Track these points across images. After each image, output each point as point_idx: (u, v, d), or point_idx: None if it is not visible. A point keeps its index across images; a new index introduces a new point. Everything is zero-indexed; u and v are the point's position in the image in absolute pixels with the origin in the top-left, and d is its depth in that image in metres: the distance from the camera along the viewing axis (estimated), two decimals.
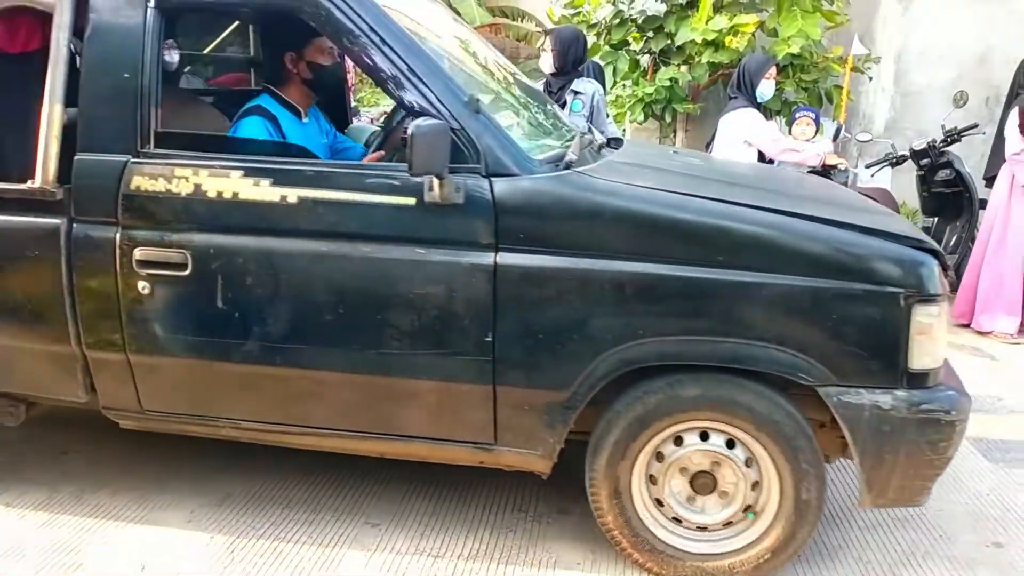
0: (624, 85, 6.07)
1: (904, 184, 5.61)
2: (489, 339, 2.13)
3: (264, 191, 2.19)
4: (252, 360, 2.28)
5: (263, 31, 2.59)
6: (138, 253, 2.25)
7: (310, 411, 2.34)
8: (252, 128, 2.54)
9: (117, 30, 2.27)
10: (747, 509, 2.22)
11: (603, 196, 2.09)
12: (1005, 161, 4.59)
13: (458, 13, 7.89)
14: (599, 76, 4.72)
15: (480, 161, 2.10)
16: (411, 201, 2.12)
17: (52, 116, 2.26)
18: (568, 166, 2.20)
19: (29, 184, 2.28)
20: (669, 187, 2.15)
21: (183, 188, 2.22)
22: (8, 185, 2.30)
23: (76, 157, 2.28)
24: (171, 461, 2.89)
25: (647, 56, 6.09)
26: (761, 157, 4.41)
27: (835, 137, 4.99)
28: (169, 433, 2.56)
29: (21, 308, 2.34)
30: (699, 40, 5.43)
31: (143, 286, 2.26)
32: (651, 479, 2.25)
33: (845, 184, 4.28)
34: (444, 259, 2.12)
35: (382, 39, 2.16)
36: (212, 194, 2.21)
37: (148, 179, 2.24)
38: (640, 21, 5.98)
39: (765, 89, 4.47)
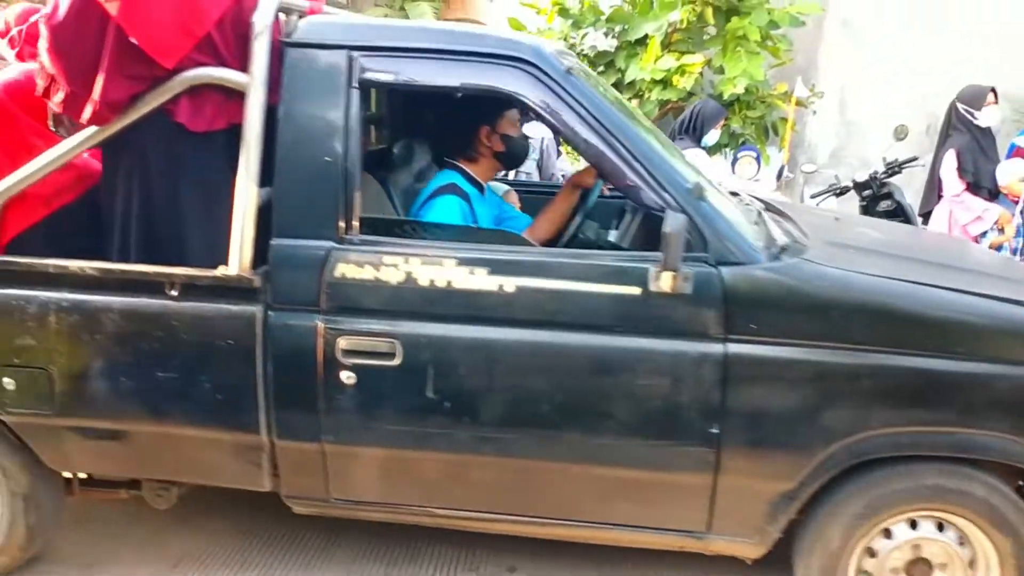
0: None
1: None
2: (715, 430, 2.10)
3: (480, 280, 2.13)
4: (460, 449, 2.22)
5: (451, 106, 2.52)
6: (343, 342, 2.17)
7: (515, 499, 2.29)
8: (451, 209, 2.47)
9: (316, 110, 2.19)
10: None
11: (839, 288, 2.07)
12: (940, 198, 4.72)
13: None
14: None
15: (708, 250, 2.07)
16: (636, 291, 2.08)
17: (248, 199, 2.17)
18: (781, 251, 2.18)
19: (223, 270, 2.20)
20: (898, 275, 2.13)
21: (393, 276, 2.15)
22: (202, 271, 2.20)
23: (273, 242, 2.20)
24: (113, 525, 2.84)
25: None
26: None
27: (778, 176, 5.11)
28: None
29: (209, 398, 2.24)
30: (648, 78, 5.49)
31: (348, 376, 2.18)
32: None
33: None
34: (670, 349, 2.09)
35: (603, 124, 2.12)
36: (424, 283, 2.14)
37: (354, 267, 2.16)
38: (592, 56, 6.03)
39: (712, 137, 4.60)
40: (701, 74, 5.55)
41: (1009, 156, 4.88)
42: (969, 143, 4.63)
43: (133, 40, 2.09)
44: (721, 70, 5.60)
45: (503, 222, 2.77)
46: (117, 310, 2.22)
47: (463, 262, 2.13)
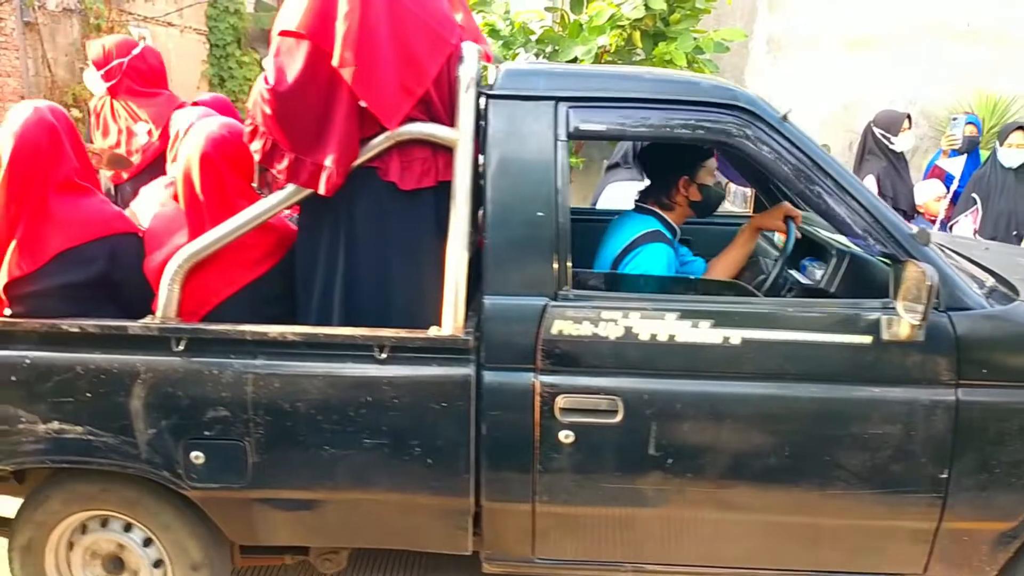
0: None
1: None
2: (944, 475, 2.09)
3: (704, 333, 2.09)
4: (680, 505, 2.17)
5: (653, 155, 2.47)
6: (561, 401, 2.11)
7: (732, 551, 2.26)
8: (660, 257, 2.42)
9: (526, 164, 2.12)
10: None
11: None
12: None
13: None
14: None
15: (938, 296, 2.06)
16: (867, 340, 2.07)
17: (459, 259, 2.10)
18: (991, 293, 2.19)
19: (436, 331, 2.12)
20: None
21: (612, 332, 2.10)
22: (414, 333, 2.12)
23: (486, 300, 2.13)
24: None
25: None
26: None
27: None
28: None
29: (418, 463, 2.16)
30: None
31: (566, 435, 2.12)
32: None
33: None
34: (902, 397, 2.08)
35: (824, 172, 2.11)
36: (645, 337, 2.10)
37: (572, 323, 2.10)
38: None
39: None
40: None
41: (926, 176, 5.00)
42: (887, 167, 4.66)
43: (362, 104, 2.01)
44: None
45: (682, 267, 2.73)
46: (322, 376, 2.13)
47: (685, 315, 2.09)
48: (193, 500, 2.24)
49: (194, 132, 2.28)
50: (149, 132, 3.45)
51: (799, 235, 2.62)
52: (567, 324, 2.11)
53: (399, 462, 2.16)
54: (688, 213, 2.65)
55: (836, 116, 6.55)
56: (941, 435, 2.07)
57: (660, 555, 2.27)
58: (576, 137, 2.15)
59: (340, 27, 1.98)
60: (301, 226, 2.27)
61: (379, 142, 2.10)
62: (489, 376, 2.13)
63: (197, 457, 2.17)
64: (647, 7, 5.20)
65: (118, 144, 3.49)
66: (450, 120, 2.14)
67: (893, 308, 2.05)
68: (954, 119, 4.96)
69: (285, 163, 2.06)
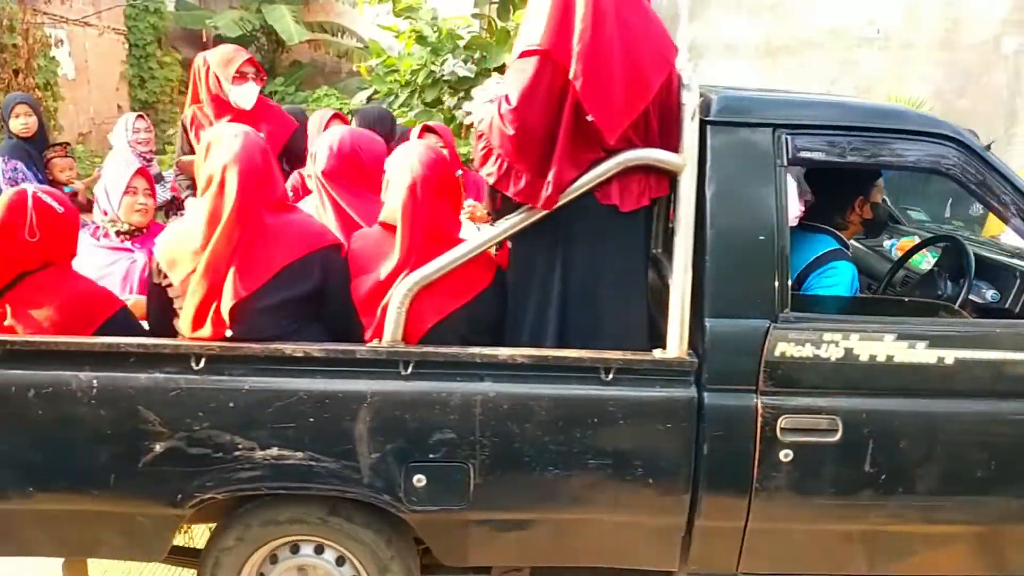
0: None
1: None
2: None
3: (920, 354, 2.17)
4: (889, 519, 2.25)
5: (826, 176, 2.54)
6: (783, 421, 2.17)
7: (930, 560, 2.34)
8: (848, 276, 2.49)
9: (747, 189, 2.18)
10: None
11: None
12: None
13: (274, 31, 7.76)
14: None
15: None
16: None
17: (684, 282, 2.14)
18: None
19: (661, 354, 2.16)
20: None
21: (832, 353, 2.17)
22: (640, 356, 2.15)
23: (708, 323, 2.17)
24: None
25: (461, 112, 6.21)
26: None
27: None
28: None
29: (639, 483, 2.19)
30: None
31: (785, 454, 2.18)
32: None
33: None
34: None
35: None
36: (864, 358, 2.17)
37: (794, 345, 2.16)
38: (452, 82, 6.05)
39: None
40: None
41: None
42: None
43: (588, 118, 2.03)
44: None
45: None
46: (548, 398, 2.14)
47: (903, 336, 2.17)
48: (408, 522, 2.23)
49: (405, 156, 2.28)
50: None
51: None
52: (789, 346, 2.16)
53: (620, 482, 2.19)
54: (859, 231, 2.73)
55: None
56: None
57: (859, 566, 2.34)
58: (796, 163, 2.21)
59: (577, 41, 2.01)
60: (515, 249, 2.28)
61: (610, 167, 2.13)
62: (711, 398, 2.17)
63: (419, 480, 2.16)
64: None
65: None
66: (661, 139, 2.17)
67: None
68: None
69: (523, 183, 2.08)
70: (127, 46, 8.90)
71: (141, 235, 3.07)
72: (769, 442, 2.17)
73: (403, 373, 2.14)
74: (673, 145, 2.16)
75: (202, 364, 2.13)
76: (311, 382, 2.13)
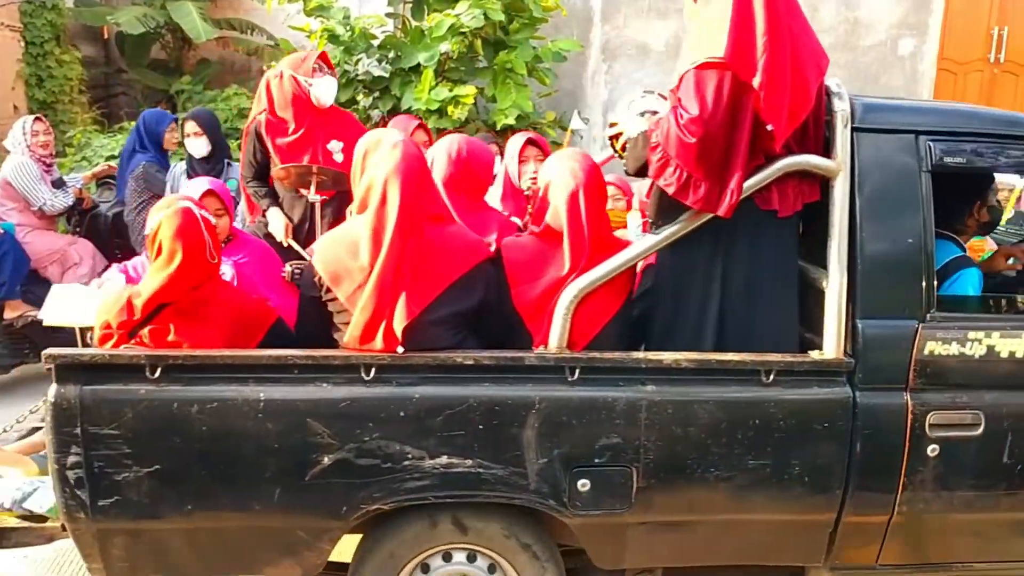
0: None
1: None
2: None
3: None
4: (1018, 508, 2.35)
5: (949, 181, 2.63)
6: (932, 418, 2.25)
7: None
8: (976, 280, 2.58)
9: (895, 194, 2.25)
10: None
11: None
12: None
13: (180, 28, 7.62)
14: None
15: None
16: None
17: (841, 284, 2.20)
18: None
19: (819, 355, 2.22)
20: None
21: (976, 351, 2.26)
22: (799, 358, 2.21)
23: (862, 324, 2.24)
24: None
25: (377, 112, 6.06)
26: None
27: None
28: None
29: (794, 481, 2.24)
30: (423, 108, 5.55)
31: (932, 449, 2.26)
32: None
33: None
34: None
35: None
36: (1004, 355, 2.27)
37: (941, 344, 2.25)
38: (367, 82, 5.97)
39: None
40: (475, 103, 5.74)
41: None
42: None
43: (768, 127, 2.08)
44: (494, 99, 5.77)
45: None
46: (712, 401, 2.19)
47: None
48: (568, 527, 2.25)
49: (565, 165, 2.29)
50: (343, 150, 3.37)
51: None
52: (937, 345, 2.25)
53: (777, 481, 2.24)
54: (975, 234, 2.84)
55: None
56: None
57: (997, 555, 2.45)
58: (939, 169, 2.29)
59: (761, 54, 2.05)
60: (669, 254, 2.31)
61: (772, 172, 2.18)
62: (864, 397, 2.24)
63: (584, 484, 2.18)
64: (486, 16, 5.34)
65: (315, 161, 3.38)
66: (816, 146, 2.23)
67: None
68: None
69: (701, 192, 2.11)
70: (23, 44, 8.44)
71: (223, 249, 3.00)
72: (918, 438, 2.25)
73: (569, 379, 2.16)
74: (814, 151, 2.23)
75: (372, 375, 2.11)
76: (480, 389, 2.13)
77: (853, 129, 2.25)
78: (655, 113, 2.36)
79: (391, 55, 5.80)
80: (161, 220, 2.16)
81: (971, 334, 2.26)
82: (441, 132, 5.43)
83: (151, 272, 2.17)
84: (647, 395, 2.17)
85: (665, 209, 2.25)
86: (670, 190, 2.14)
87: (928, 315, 2.26)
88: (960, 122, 2.34)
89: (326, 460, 2.10)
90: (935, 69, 7.56)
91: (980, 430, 2.27)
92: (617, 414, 2.16)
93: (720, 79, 2.06)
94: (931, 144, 2.27)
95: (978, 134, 2.31)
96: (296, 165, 3.23)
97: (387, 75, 5.79)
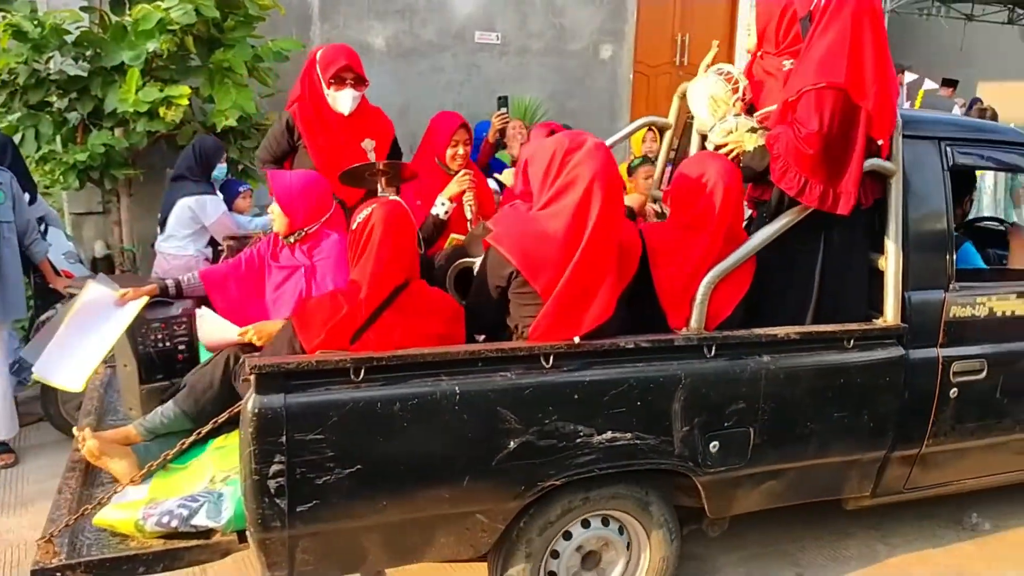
0: (51, 150, 5.29)
1: None
2: None
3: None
4: (1010, 432, 3.01)
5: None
6: (955, 366, 2.83)
7: None
8: (973, 251, 3.17)
9: (930, 189, 2.78)
10: None
11: None
12: None
13: None
14: (5, 150, 4.39)
15: None
16: None
17: (898, 263, 2.69)
18: None
19: (882, 322, 2.70)
20: None
21: (981, 311, 2.87)
22: (871, 326, 2.68)
23: (911, 295, 2.75)
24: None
25: (75, 114, 5.47)
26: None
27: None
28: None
29: (863, 427, 2.72)
30: (131, 110, 4.99)
31: (953, 392, 2.84)
32: None
33: None
34: None
35: None
36: (999, 313, 2.90)
37: (959, 307, 2.83)
38: (62, 81, 5.30)
39: (220, 172, 4.80)
40: (190, 104, 5.31)
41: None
42: None
43: (879, 142, 2.50)
44: (211, 100, 5.37)
45: None
46: (811, 366, 2.60)
47: (1021, 295, 2.93)
48: (698, 484, 2.57)
49: (711, 165, 2.57)
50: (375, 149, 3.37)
51: None
52: (958, 308, 2.83)
53: (849, 428, 2.71)
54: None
55: (396, 120, 5.93)
56: None
57: (988, 470, 3.11)
58: (955, 168, 2.84)
59: (872, 82, 2.45)
60: (779, 244, 2.64)
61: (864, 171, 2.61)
62: (912, 354, 2.76)
63: (714, 446, 2.51)
64: (198, 12, 4.92)
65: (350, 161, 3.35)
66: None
67: None
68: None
69: (818, 192, 2.48)
70: None
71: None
72: (945, 384, 2.82)
73: (708, 356, 2.47)
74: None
75: (551, 362, 2.28)
76: (637, 370, 2.38)
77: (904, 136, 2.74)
78: (763, 126, 2.69)
79: (88, 53, 5.16)
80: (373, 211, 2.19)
81: (978, 299, 2.86)
82: (153, 135, 5.19)
83: (365, 267, 2.20)
84: (765, 365, 2.54)
85: (783, 207, 2.61)
86: (792, 192, 2.50)
87: (951, 285, 2.82)
88: (966, 132, 2.92)
89: (512, 444, 2.25)
90: (631, 72, 8.05)
91: (983, 374, 2.88)
92: (743, 383, 2.51)
93: (836, 100, 2.43)
94: (949, 148, 2.83)
95: (980, 141, 2.90)
96: (359, 165, 3.19)
97: (85, 74, 5.20)
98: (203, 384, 2.64)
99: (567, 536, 2.55)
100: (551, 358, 2.29)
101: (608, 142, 2.92)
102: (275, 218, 2.95)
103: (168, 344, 2.86)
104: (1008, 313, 2.91)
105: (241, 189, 5.00)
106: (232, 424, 2.35)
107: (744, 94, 2.85)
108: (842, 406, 2.68)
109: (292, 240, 2.95)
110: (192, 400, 2.63)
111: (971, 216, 3.72)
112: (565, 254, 2.27)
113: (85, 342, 2.83)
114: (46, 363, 2.88)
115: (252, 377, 2.01)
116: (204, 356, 2.93)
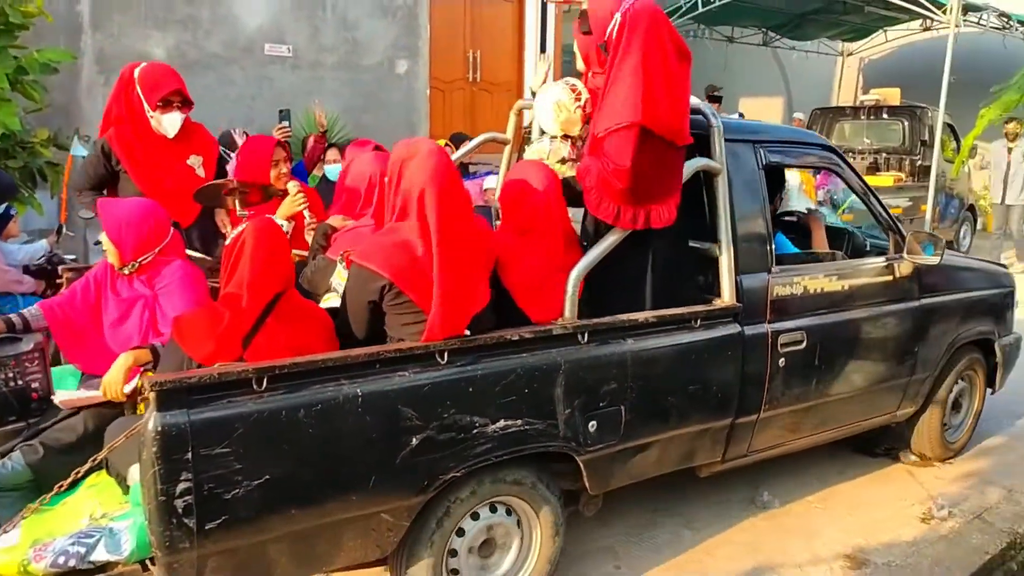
0: None
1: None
2: None
3: (833, 284, 3.44)
4: (827, 393, 3.48)
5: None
6: (782, 339, 3.25)
7: (849, 413, 3.65)
8: (784, 241, 3.60)
9: (749, 185, 3.19)
10: None
11: None
12: None
13: None
14: None
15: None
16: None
17: (729, 251, 3.07)
18: None
19: (721, 303, 3.06)
20: None
21: (798, 290, 3.32)
22: (712, 306, 3.03)
23: (741, 279, 3.13)
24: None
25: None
26: None
27: (58, 231, 4.84)
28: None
29: (712, 398, 3.06)
30: None
31: (782, 361, 3.26)
32: None
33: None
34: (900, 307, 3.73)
35: (866, 187, 3.63)
36: (812, 290, 3.36)
37: (780, 287, 3.26)
38: None
39: None
40: None
41: None
42: None
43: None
44: None
45: None
46: (667, 345, 2.90)
47: (828, 274, 3.42)
48: (579, 463, 2.77)
49: (536, 169, 2.78)
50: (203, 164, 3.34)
51: None
52: (779, 288, 3.25)
53: (704, 399, 3.05)
54: None
55: None
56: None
57: (804, 432, 3.56)
58: (767, 167, 3.28)
59: (665, 109, 2.72)
60: (629, 244, 2.90)
61: (688, 173, 2.94)
62: (746, 330, 3.15)
63: (592, 425, 2.73)
64: None
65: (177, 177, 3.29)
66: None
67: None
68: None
69: (629, 215, 2.77)
70: None
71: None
72: (774, 355, 3.23)
73: (582, 342, 2.69)
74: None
75: (446, 359, 2.40)
76: (522, 360, 2.56)
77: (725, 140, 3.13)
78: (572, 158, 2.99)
79: None
80: (245, 228, 2.19)
81: (795, 279, 3.31)
82: None
83: (242, 276, 2.19)
84: (629, 347, 2.80)
85: (601, 229, 2.88)
86: (608, 220, 2.77)
87: (772, 268, 3.25)
88: (774, 135, 3.38)
89: (414, 441, 2.34)
90: (428, 87, 8.25)
91: (804, 344, 3.33)
92: (613, 365, 2.76)
93: (638, 136, 2.67)
94: (762, 150, 3.26)
95: (786, 141, 3.37)
96: (213, 184, 3.13)
97: None
98: (58, 446, 2.59)
99: (460, 533, 2.66)
100: (445, 355, 2.40)
101: (454, 158, 3.11)
102: (108, 251, 2.86)
103: (21, 382, 2.66)
104: (819, 290, 3.39)
105: (12, 213, 4.59)
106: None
107: (586, 106, 3.13)
108: (694, 380, 3.00)
109: (127, 271, 2.87)
110: (44, 459, 2.53)
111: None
112: (427, 260, 2.40)
113: None
114: None
115: (151, 395, 1.97)
116: (58, 387, 2.79)
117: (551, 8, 10.22)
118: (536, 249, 2.76)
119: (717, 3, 11.11)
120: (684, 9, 11.58)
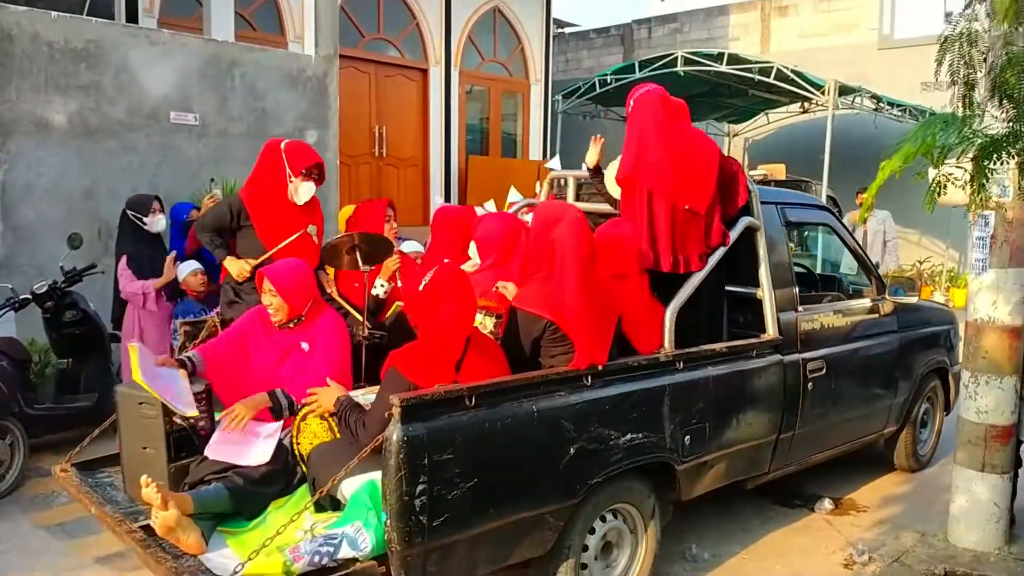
0: None
1: (36, 326, 5.22)
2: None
3: (840, 320, 4.15)
4: (844, 412, 4.14)
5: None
6: (809, 366, 3.90)
7: (860, 430, 4.31)
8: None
9: (777, 238, 3.88)
10: None
11: None
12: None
13: None
14: None
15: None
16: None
17: (770, 292, 3.73)
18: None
19: (767, 336, 3.69)
20: None
21: (816, 325, 4.00)
22: (763, 339, 3.65)
23: (780, 315, 3.78)
24: None
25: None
26: None
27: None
28: None
29: (765, 418, 3.66)
30: None
31: (810, 385, 3.91)
32: None
33: None
34: (887, 341, 4.48)
35: (846, 242, 4.40)
36: (828, 325, 4.06)
37: (806, 323, 3.93)
38: None
39: None
40: None
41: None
42: (140, 247, 5.05)
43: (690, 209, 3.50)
44: None
45: None
46: (737, 371, 3.50)
47: (836, 311, 4.13)
48: (676, 471, 3.28)
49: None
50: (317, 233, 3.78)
51: None
52: (805, 323, 3.92)
53: (756, 418, 3.63)
54: None
55: (80, 204, 6.29)
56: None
57: (830, 444, 4.20)
58: (788, 225, 3.98)
59: (676, 183, 3.44)
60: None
61: (738, 229, 3.59)
62: (786, 359, 3.78)
63: (687, 439, 3.27)
64: None
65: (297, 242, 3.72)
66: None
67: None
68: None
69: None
70: None
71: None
72: (805, 379, 3.88)
73: (679, 368, 3.24)
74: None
75: (590, 381, 2.89)
76: (640, 383, 3.08)
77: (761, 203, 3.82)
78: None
79: None
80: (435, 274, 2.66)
81: (815, 316, 4.00)
82: None
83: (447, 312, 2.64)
84: (711, 373, 3.37)
85: None
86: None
87: (798, 307, 3.92)
88: (789, 199, 4.11)
89: (571, 450, 2.81)
90: (337, 158, 8.12)
91: (824, 371, 4.00)
92: (702, 388, 3.32)
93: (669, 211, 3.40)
94: (783, 210, 3.98)
95: (797, 204, 4.11)
96: (339, 239, 3.54)
97: None
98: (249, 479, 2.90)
99: (591, 531, 3.10)
100: (590, 378, 2.90)
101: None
102: (275, 309, 3.23)
103: (202, 422, 2.96)
104: (831, 325, 4.09)
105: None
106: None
107: None
108: (752, 401, 3.59)
109: (292, 325, 3.25)
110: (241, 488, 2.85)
111: None
112: (576, 303, 2.93)
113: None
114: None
115: (397, 411, 2.37)
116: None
117: (455, 86, 10.83)
118: (634, 290, 3.31)
119: (613, 85, 12.04)
120: (583, 90, 12.53)
